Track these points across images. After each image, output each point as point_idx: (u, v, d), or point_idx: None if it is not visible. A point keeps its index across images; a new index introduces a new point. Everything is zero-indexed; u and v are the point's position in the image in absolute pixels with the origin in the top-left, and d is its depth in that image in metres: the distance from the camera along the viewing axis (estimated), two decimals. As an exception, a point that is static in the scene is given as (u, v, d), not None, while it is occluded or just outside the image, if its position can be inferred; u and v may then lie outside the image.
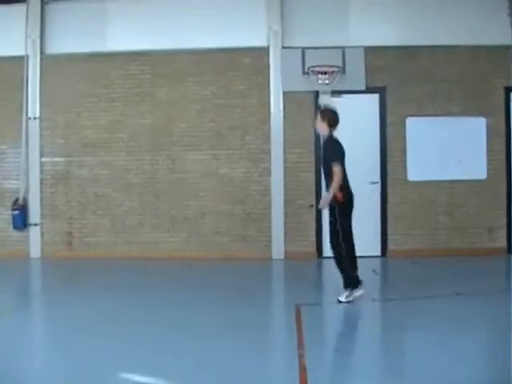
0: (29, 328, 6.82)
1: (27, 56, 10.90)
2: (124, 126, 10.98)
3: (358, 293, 7.41)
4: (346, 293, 7.39)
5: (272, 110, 10.74)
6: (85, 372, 5.07)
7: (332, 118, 7.63)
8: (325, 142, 7.74)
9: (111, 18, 10.95)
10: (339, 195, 7.28)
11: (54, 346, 6.04)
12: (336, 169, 7.26)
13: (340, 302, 7.37)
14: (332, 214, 7.44)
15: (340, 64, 10.30)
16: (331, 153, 7.45)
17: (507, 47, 10.46)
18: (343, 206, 7.35)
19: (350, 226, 7.44)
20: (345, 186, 7.36)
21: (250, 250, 10.73)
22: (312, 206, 7.94)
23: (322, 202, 7.53)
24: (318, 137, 10.74)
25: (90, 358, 5.41)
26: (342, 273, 7.48)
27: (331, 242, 7.49)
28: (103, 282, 9.00)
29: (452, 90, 10.72)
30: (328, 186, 7.42)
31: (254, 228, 10.81)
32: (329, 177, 7.39)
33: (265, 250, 10.72)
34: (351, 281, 7.42)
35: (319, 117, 7.69)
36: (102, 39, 10.90)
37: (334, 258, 7.50)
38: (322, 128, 7.67)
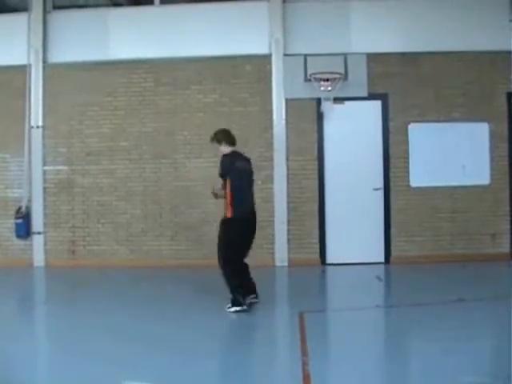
0: (29, 338, 6.82)
1: (29, 65, 10.92)
2: (127, 135, 10.99)
3: (238, 308, 7.33)
4: (231, 304, 7.37)
5: (274, 117, 10.74)
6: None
7: (226, 136, 7.68)
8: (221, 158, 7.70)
9: (113, 26, 10.97)
10: (228, 212, 7.38)
11: (54, 356, 6.04)
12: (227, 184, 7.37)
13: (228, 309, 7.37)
14: (220, 227, 7.54)
15: (342, 71, 10.32)
16: (220, 168, 7.54)
17: (509, 53, 10.43)
18: (231, 223, 7.41)
19: (238, 246, 7.48)
20: (236, 205, 7.39)
21: (253, 257, 10.68)
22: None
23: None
24: (321, 144, 10.77)
25: (91, 370, 5.41)
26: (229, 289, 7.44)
27: (218, 254, 7.50)
28: (107, 293, 9.02)
29: (454, 96, 10.71)
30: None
31: (257, 235, 10.72)
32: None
33: (268, 257, 10.70)
34: (233, 291, 7.37)
35: (216, 143, 7.71)
36: (104, 48, 10.91)
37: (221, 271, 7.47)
38: (225, 150, 7.66)
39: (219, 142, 7.68)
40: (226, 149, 7.66)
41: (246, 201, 7.58)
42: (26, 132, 10.96)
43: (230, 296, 7.39)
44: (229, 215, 7.39)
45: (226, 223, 7.48)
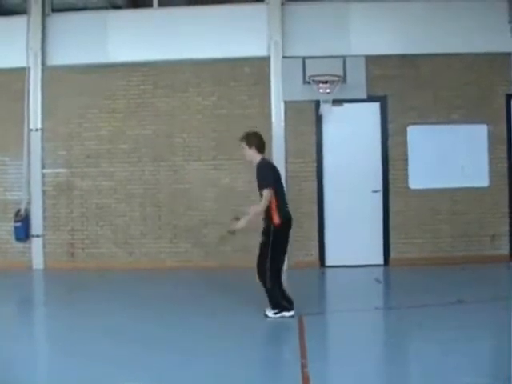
0: (28, 339, 6.82)
1: (28, 68, 10.92)
2: (126, 137, 10.99)
3: (288, 314, 7.20)
4: (274, 311, 7.22)
5: (273, 119, 10.74)
6: None
7: (259, 141, 7.27)
8: (257, 166, 7.25)
9: (112, 29, 10.97)
10: (275, 218, 7.07)
11: (53, 357, 6.04)
12: (265, 193, 7.01)
13: (266, 316, 7.21)
14: (266, 236, 7.19)
15: (341, 73, 10.31)
16: (261, 177, 7.13)
17: (508, 54, 10.51)
18: (279, 230, 7.11)
19: (282, 252, 7.29)
20: (280, 209, 7.13)
21: (251, 259, 10.66)
22: (237, 219, 7.31)
23: (238, 225, 7.22)
24: (319, 146, 10.77)
25: (91, 371, 5.40)
26: (267, 295, 7.26)
27: (258, 264, 7.27)
28: (106, 295, 9.03)
29: (453, 98, 10.72)
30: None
31: (256, 238, 10.75)
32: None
33: (267, 260, 10.67)
34: (278, 305, 7.22)
35: (245, 144, 7.25)
36: (103, 50, 10.91)
37: (259, 279, 7.25)
38: (253, 156, 7.26)
39: (250, 145, 7.22)
40: (255, 154, 7.24)
41: (286, 205, 7.32)
42: (25, 135, 10.95)
43: (270, 303, 7.25)
44: (276, 222, 7.08)
45: (275, 232, 7.11)
